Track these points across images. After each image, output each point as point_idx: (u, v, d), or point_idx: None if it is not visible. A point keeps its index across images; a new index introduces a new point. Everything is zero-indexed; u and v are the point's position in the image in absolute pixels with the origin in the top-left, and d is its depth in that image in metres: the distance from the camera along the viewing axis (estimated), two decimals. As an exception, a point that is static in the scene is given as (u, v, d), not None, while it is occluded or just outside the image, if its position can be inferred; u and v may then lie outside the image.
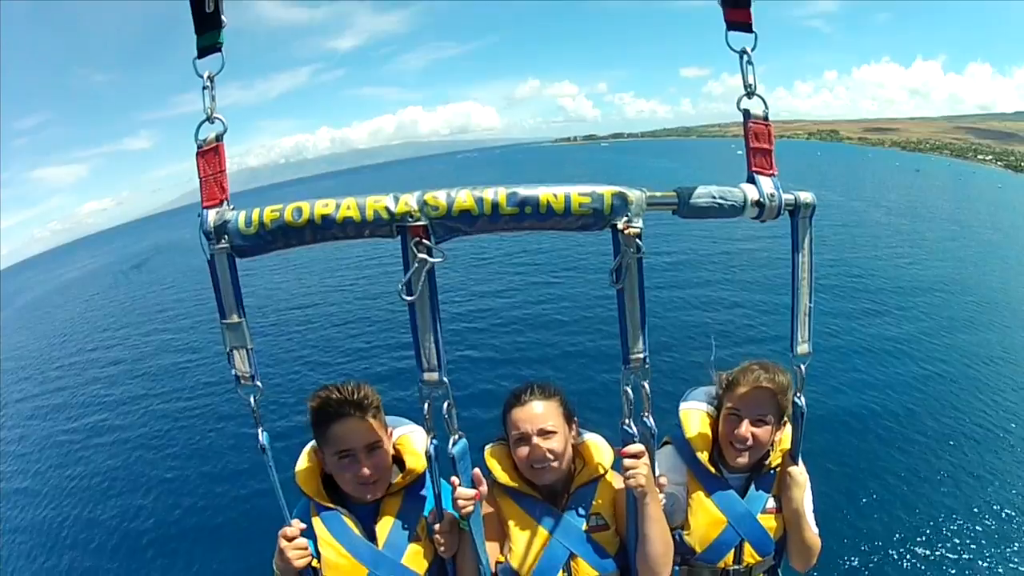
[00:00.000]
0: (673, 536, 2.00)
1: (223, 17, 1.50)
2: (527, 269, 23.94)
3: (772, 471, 2.16)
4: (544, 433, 1.95)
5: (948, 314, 18.57)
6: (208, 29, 1.50)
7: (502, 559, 2.03)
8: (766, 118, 1.63)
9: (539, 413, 1.97)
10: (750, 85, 1.61)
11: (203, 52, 1.53)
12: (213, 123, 1.56)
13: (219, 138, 1.58)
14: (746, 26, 1.57)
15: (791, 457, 2.10)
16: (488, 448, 2.13)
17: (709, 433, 2.19)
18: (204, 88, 1.53)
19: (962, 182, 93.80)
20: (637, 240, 1.54)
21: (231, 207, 1.59)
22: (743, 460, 2.11)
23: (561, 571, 1.99)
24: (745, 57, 1.59)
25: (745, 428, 2.04)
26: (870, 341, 15.69)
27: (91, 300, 42.92)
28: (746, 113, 1.64)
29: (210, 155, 1.58)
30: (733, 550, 2.13)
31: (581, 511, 2.04)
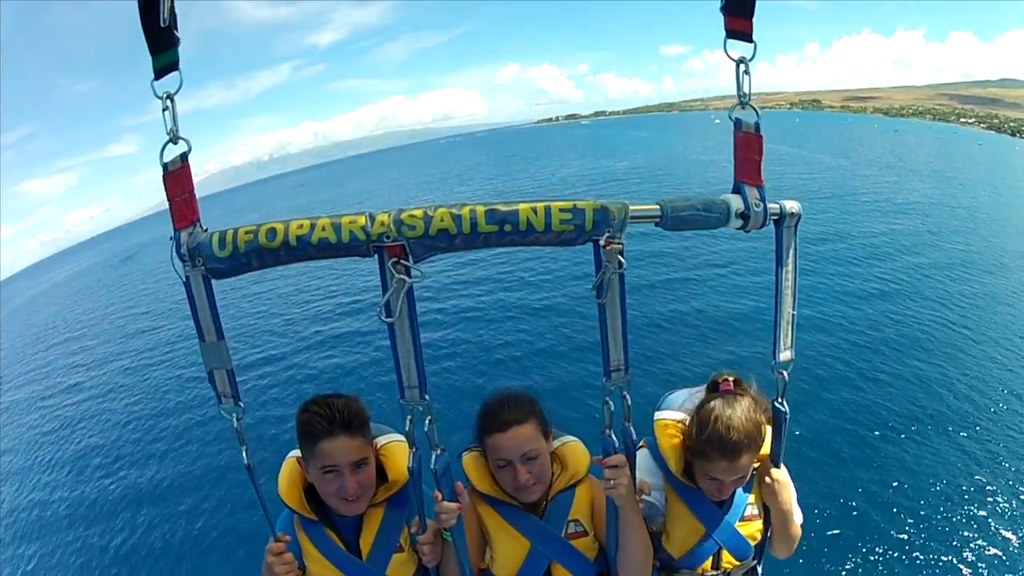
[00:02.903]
0: (652, 541, 2.00)
1: (176, 34, 1.45)
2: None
3: (751, 477, 2.10)
4: (527, 459, 1.92)
5: (910, 252, 19.13)
6: (163, 49, 1.46)
7: (484, 566, 2.04)
8: (758, 129, 1.60)
9: (521, 440, 1.91)
10: (744, 95, 1.56)
11: (160, 73, 1.48)
12: (177, 143, 1.51)
13: (184, 158, 1.53)
14: (746, 36, 1.53)
15: (772, 462, 2.05)
16: (466, 456, 2.10)
17: (681, 445, 2.11)
18: (164, 110, 1.48)
19: (940, 140, 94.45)
20: (619, 256, 1.51)
21: (204, 228, 1.56)
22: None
23: None
24: (742, 67, 1.54)
25: (729, 488, 2.01)
26: (833, 281, 15.88)
27: (79, 294, 43.14)
28: (737, 122, 1.60)
29: (177, 176, 1.54)
30: (711, 557, 2.11)
31: (559, 518, 2.04)
